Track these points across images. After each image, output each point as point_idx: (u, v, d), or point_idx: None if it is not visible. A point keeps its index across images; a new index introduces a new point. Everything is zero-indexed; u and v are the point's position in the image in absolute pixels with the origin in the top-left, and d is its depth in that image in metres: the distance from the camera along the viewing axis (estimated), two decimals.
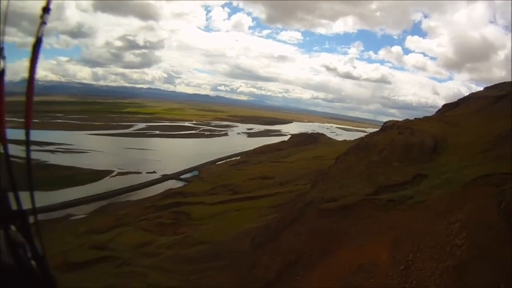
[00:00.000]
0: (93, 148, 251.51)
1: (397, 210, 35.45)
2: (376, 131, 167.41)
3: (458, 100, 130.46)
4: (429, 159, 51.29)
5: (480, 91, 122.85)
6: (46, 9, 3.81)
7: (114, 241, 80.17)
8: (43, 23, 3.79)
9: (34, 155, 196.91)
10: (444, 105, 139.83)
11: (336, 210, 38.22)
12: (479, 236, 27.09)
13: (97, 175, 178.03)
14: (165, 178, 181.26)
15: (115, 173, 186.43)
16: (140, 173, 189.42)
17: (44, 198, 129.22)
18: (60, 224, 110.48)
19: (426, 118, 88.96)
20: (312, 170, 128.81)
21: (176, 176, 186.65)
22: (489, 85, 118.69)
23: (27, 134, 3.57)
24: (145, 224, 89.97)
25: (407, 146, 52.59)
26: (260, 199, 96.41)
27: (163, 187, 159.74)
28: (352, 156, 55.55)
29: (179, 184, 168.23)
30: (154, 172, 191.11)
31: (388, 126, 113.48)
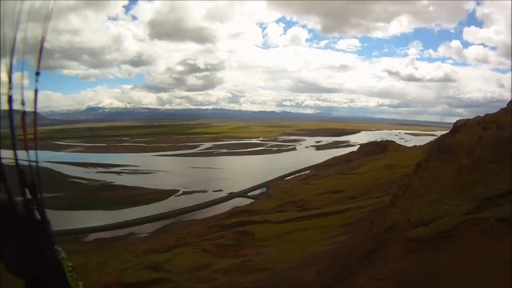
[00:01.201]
0: (159, 168, 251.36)
1: (511, 233, 26.45)
2: (447, 133, 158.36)
3: None
4: None
5: None
6: (37, 73, 4.66)
7: (171, 262, 77.10)
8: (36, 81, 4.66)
9: (99, 177, 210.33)
10: None
11: (430, 239, 29.66)
12: None
13: (162, 194, 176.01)
14: (232, 196, 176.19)
15: (180, 192, 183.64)
16: (206, 191, 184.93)
17: (108, 216, 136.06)
18: (122, 242, 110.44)
19: (504, 110, 79.90)
20: (384, 180, 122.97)
21: (243, 193, 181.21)
22: None
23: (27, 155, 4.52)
24: (207, 244, 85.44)
25: (499, 143, 43.35)
26: (330, 216, 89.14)
27: (229, 206, 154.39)
28: (435, 162, 46.70)
29: (247, 201, 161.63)
30: (220, 190, 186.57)
31: (459, 126, 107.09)
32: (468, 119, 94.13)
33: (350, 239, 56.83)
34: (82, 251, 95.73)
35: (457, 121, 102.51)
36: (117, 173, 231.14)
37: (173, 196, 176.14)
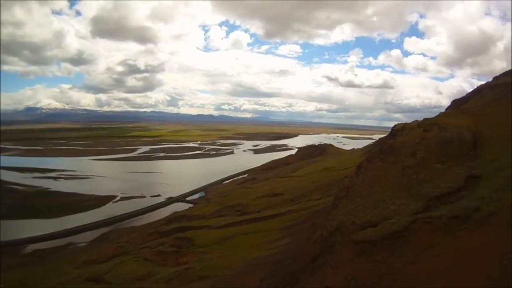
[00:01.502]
0: (96, 173, 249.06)
1: (466, 230, 24.89)
2: (387, 135, 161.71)
3: (468, 94, 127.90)
4: (473, 155, 42.48)
5: (490, 81, 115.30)
6: None
7: (112, 272, 74.00)
8: None
9: (36, 182, 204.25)
10: (454, 101, 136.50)
11: (380, 241, 27.92)
12: None
13: (100, 200, 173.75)
14: (170, 201, 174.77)
15: (118, 198, 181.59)
16: (144, 197, 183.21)
17: (46, 225, 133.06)
18: (61, 253, 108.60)
19: (443, 114, 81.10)
20: (324, 183, 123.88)
21: (181, 198, 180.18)
22: (490, 78, 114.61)
23: None
24: (147, 252, 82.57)
25: (443, 143, 43.00)
26: (270, 220, 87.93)
27: (168, 211, 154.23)
28: (377, 163, 45.67)
29: (186, 206, 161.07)
30: (158, 195, 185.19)
31: (398, 129, 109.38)
32: (406, 123, 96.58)
33: (293, 242, 55.50)
34: (21, 265, 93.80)
35: (395, 125, 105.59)
36: (54, 178, 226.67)
37: (111, 202, 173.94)
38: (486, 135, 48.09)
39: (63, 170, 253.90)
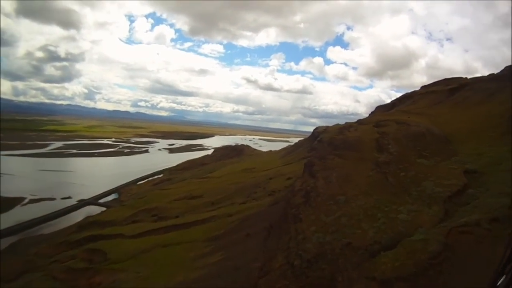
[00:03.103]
0: (3, 170, 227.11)
1: None
2: (309, 137, 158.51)
3: (393, 101, 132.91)
4: (453, 149, 38.31)
5: (418, 90, 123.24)
6: None
7: None
8: None
9: None
10: (378, 107, 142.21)
11: (418, 272, 20.05)
12: None
13: (7, 203, 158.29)
14: (82, 204, 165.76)
15: (27, 200, 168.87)
16: (54, 199, 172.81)
17: None
18: None
19: (378, 115, 79.83)
20: (245, 184, 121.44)
21: (93, 200, 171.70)
22: (409, 91, 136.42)
23: None
24: (56, 268, 73.67)
25: (414, 137, 38.68)
26: (192, 228, 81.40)
27: (80, 215, 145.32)
28: (335, 160, 40.48)
29: (99, 209, 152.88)
30: (69, 197, 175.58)
31: (320, 132, 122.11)
32: (328, 126, 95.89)
33: (226, 262, 48.15)
34: None
35: (317, 127, 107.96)
36: None
37: (19, 205, 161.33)
38: (451, 132, 45.29)
39: None
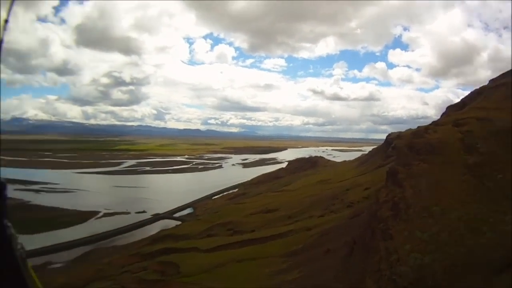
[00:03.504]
0: (79, 187, 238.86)
1: None
2: (382, 145, 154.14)
3: (463, 99, 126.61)
4: None
5: (486, 84, 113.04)
6: (6, 21, 4.46)
7: None
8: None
9: (16, 195, 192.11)
10: (449, 107, 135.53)
11: None
12: None
13: (82, 216, 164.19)
14: (156, 218, 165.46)
15: (101, 214, 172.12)
16: (129, 213, 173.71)
17: (22, 242, 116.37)
18: (36, 274, 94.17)
19: (452, 115, 75.12)
20: (322, 197, 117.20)
21: (168, 215, 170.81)
22: (477, 87, 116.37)
23: None
24: (127, 278, 73.91)
25: (506, 133, 34.06)
26: (268, 242, 78.71)
27: (154, 228, 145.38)
28: (420, 165, 36.17)
29: (173, 223, 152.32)
30: (144, 211, 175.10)
31: (393, 138, 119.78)
32: (401, 131, 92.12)
33: (304, 280, 44.88)
34: None
35: (390, 133, 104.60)
36: (36, 191, 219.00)
37: (93, 218, 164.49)
38: None
39: (46, 183, 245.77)
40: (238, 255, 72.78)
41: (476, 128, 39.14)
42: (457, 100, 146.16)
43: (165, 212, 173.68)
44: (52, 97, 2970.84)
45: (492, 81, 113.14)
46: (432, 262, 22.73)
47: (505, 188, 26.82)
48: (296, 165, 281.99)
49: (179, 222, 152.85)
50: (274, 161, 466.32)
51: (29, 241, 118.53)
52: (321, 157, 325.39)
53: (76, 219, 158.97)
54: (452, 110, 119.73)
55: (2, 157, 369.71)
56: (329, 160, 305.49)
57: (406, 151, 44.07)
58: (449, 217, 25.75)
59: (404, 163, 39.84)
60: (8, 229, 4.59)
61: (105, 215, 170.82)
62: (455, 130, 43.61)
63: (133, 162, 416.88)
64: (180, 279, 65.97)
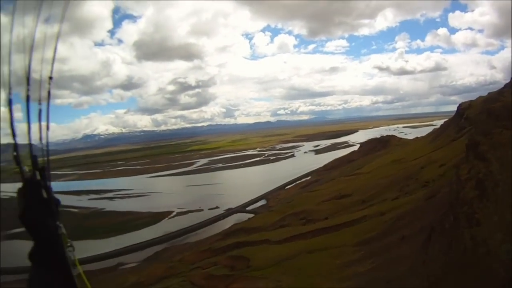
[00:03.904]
0: (153, 190, 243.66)
1: None
2: (452, 118, 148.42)
3: None
4: None
5: None
6: (50, 78, 5.29)
7: None
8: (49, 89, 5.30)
9: (91, 204, 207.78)
10: None
11: None
12: None
13: (155, 217, 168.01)
14: (229, 212, 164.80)
15: (174, 213, 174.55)
16: (202, 210, 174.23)
17: (97, 246, 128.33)
18: (109, 274, 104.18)
19: None
20: (397, 177, 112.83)
21: (241, 208, 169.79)
22: None
23: None
24: (196, 275, 74.90)
25: None
26: (341, 230, 75.62)
27: (228, 223, 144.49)
28: (506, 133, 30.27)
29: (247, 217, 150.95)
30: (217, 207, 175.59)
31: (465, 108, 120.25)
32: (471, 100, 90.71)
33: (377, 272, 40.33)
34: None
35: (460, 103, 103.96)
36: (110, 198, 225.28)
37: (166, 219, 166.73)
38: None
39: (119, 190, 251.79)
40: (309, 246, 70.53)
41: None
42: None
43: (238, 206, 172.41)
44: (121, 111, 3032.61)
45: None
46: None
47: None
48: (368, 146, 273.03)
49: (252, 215, 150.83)
50: (346, 145, 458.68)
51: (103, 245, 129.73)
52: (392, 135, 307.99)
53: (150, 221, 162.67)
54: None
55: (75, 172, 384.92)
56: (401, 138, 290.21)
57: (485, 118, 38.43)
58: None
59: (485, 132, 34.34)
60: (60, 229, 5.22)
61: (178, 214, 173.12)
62: None
63: (205, 160, 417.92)
64: (249, 273, 64.64)
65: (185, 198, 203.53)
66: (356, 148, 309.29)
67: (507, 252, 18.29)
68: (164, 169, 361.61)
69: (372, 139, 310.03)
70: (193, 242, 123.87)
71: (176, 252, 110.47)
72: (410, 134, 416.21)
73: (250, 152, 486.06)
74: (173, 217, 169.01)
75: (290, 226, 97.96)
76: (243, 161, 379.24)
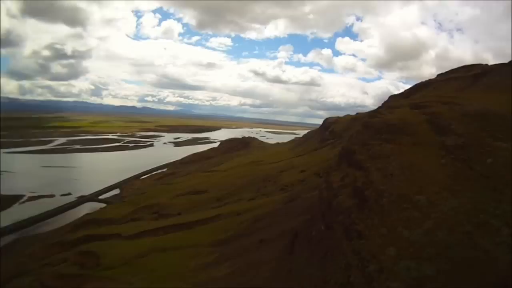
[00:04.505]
0: (5, 168, 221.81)
1: None
2: (319, 128, 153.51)
3: (407, 90, 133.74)
4: None
5: (435, 78, 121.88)
6: None
7: None
8: None
9: None
10: (392, 96, 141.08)
11: None
12: None
13: (5, 201, 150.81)
14: (81, 200, 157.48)
15: (25, 198, 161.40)
16: (54, 196, 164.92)
17: None
18: None
19: (400, 101, 73.58)
20: (253, 178, 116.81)
21: (93, 197, 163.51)
22: (418, 82, 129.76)
23: None
24: (47, 273, 65.65)
25: (481, 117, 27.72)
26: (195, 228, 73.66)
27: (83, 211, 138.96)
28: (386, 146, 28.67)
29: (99, 206, 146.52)
30: (69, 194, 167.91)
31: (331, 122, 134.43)
32: (339, 116, 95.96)
33: (234, 278, 37.99)
34: None
35: (327, 118, 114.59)
36: None
37: (17, 204, 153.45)
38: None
39: None
40: (161, 243, 67.40)
41: (443, 110, 32.61)
42: (397, 92, 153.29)
43: (90, 194, 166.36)
44: None
45: (440, 75, 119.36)
46: (435, 274, 15.15)
47: (502, 174, 20.14)
48: (229, 145, 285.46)
49: (104, 204, 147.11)
50: (207, 141, 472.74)
51: None
52: (254, 138, 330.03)
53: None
54: (395, 99, 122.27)
55: None
56: (262, 142, 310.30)
57: (362, 129, 37.38)
58: (441, 209, 18.70)
59: (362, 143, 33.15)
60: None
61: (30, 199, 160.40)
62: (416, 112, 37.00)
63: (63, 140, 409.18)
64: (99, 273, 59.30)
65: (39, 180, 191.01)
66: (216, 145, 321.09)
67: (406, 269, 15.87)
68: (20, 144, 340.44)
69: (233, 138, 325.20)
70: (44, 233, 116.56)
71: (27, 244, 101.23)
72: (272, 139, 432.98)
73: (110, 136, 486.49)
74: (24, 202, 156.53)
75: (142, 220, 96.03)
76: (102, 144, 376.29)
